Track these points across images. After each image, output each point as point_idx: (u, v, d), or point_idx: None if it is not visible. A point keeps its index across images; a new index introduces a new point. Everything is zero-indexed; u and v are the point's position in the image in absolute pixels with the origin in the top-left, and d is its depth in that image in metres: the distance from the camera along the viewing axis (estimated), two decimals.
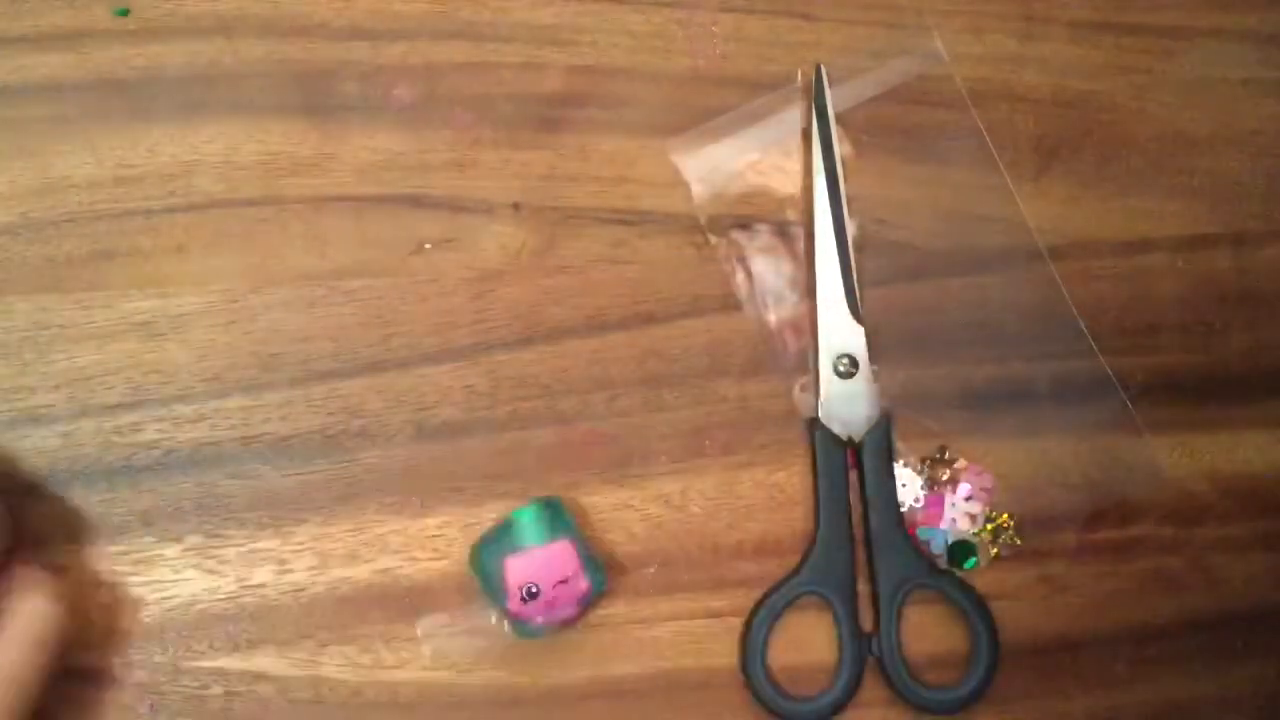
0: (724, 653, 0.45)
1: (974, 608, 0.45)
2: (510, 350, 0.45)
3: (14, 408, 0.43)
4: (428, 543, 0.44)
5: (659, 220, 0.47)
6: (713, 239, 0.47)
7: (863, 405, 0.46)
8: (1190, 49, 0.50)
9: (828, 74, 0.47)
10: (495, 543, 0.43)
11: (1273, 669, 0.47)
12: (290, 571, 0.44)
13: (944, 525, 0.47)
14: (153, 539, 0.43)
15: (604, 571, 0.43)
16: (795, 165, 0.48)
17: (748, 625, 0.45)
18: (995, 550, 0.47)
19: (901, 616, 0.45)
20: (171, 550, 0.43)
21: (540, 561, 0.42)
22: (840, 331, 0.46)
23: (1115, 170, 0.49)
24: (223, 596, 0.43)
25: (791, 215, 0.47)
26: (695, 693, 0.45)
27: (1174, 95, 0.50)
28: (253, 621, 0.43)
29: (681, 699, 0.45)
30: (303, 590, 0.44)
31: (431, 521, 0.44)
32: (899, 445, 0.47)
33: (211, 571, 0.43)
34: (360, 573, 0.44)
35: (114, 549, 0.43)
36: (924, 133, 0.48)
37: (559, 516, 0.43)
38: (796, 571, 0.45)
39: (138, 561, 0.43)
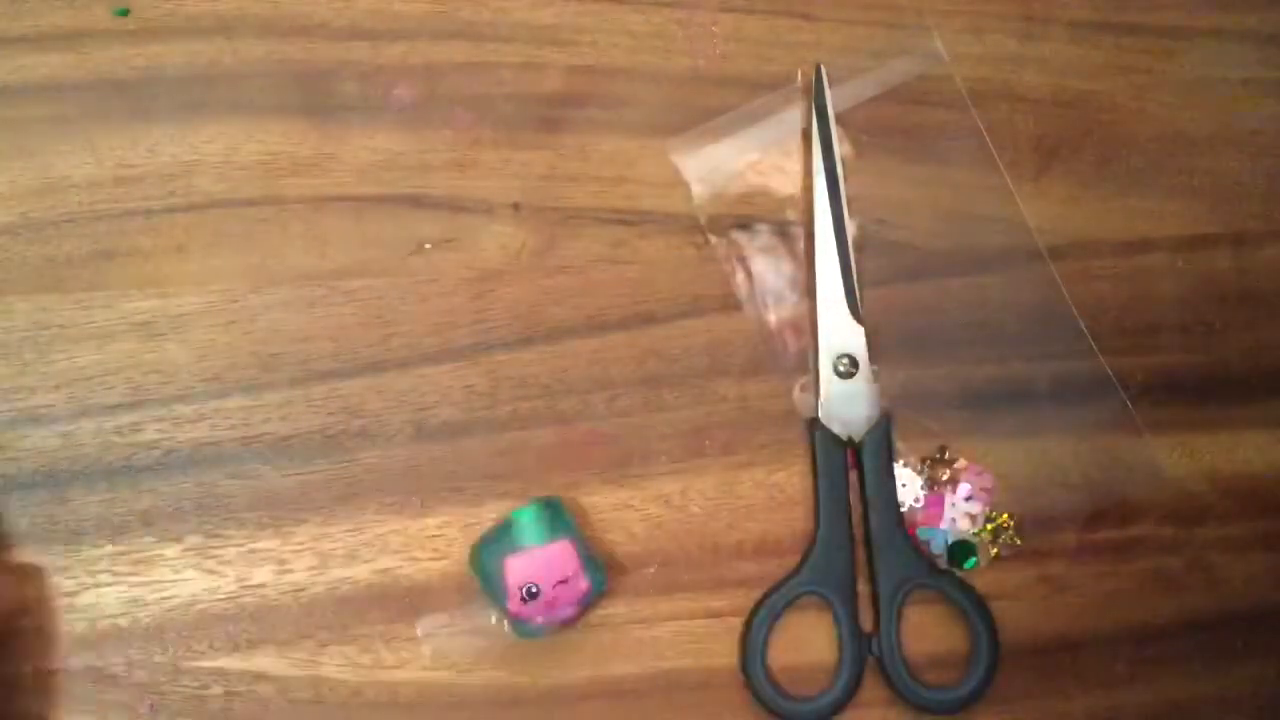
0: (724, 653, 0.45)
1: (974, 608, 0.45)
2: (510, 350, 0.45)
3: (14, 408, 0.43)
4: (428, 543, 0.44)
5: (659, 220, 0.47)
6: (713, 239, 0.47)
7: (863, 405, 0.46)
8: (1190, 49, 0.50)
9: (828, 74, 0.47)
10: (495, 543, 0.43)
11: (1273, 669, 0.47)
12: (290, 571, 0.44)
13: (944, 525, 0.47)
14: (153, 539, 0.43)
15: (604, 571, 0.43)
16: (795, 165, 0.48)
17: (748, 625, 0.45)
18: (995, 550, 0.47)
19: (901, 616, 0.45)
20: (171, 550, 0.43)
21: (540, 561, 0.42)
22: (840, 331, 0.46)
23: (1115, 170, 0.49)
24: (223, 596, 0.43)
25: (791, 215, 0.47)
26: (695, 693, 0.45)
27: (1174, 95, 0.50)
28: (253, 621, 0.43)
29: (681, 699, 0.45)
30: (303, 590, 0.44)
31: (431, 521, 0.44)
32: (899, 445, 0.47)
33: (211, 571, 0.43)
34: (360, 573, 0.44)
35: (114, 549, 0.43)
36: (924, 133, 0.48)
37: (559, 516, 0.43)
38: (796, 571, 0.45)
39: (138, 561, 0.43)
